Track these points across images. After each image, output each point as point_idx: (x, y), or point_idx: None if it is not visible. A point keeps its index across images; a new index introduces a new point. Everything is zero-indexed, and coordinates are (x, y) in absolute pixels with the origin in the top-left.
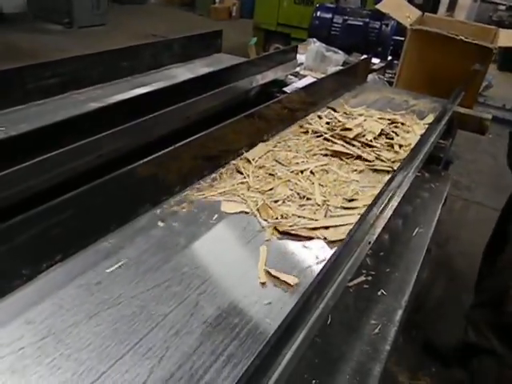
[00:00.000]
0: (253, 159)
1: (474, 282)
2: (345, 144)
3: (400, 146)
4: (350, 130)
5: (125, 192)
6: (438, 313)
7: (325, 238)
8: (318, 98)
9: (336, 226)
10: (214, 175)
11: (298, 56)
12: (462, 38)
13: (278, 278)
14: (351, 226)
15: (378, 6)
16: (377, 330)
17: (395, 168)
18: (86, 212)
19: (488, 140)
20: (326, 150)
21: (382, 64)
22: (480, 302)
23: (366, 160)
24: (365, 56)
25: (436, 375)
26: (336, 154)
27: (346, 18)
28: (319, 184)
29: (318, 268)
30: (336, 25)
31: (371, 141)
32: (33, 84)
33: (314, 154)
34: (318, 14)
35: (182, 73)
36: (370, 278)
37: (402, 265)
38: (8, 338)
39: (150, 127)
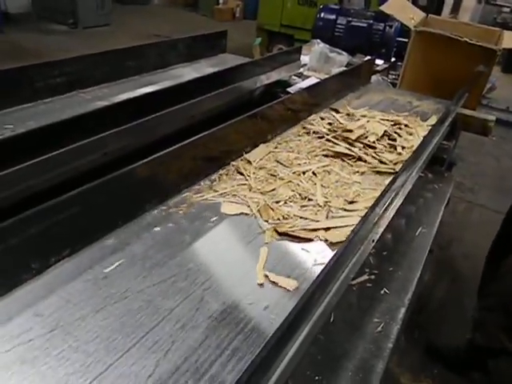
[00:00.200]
0: (254, 160)
1: (476, 284)
2: (347, 145)
3: (403, 147)
4: (351, 131)
5: (128, 190)
6: (440, 315)
7: (326, 240)
8: (321, 98)
9: (336, 228)
10: (214, 176)
11: (302, 57)
12: (466, 39)
13: (276, 283)
14: (352, 228)
15: (381, 8)
16: (380, 328)
17: (397, 170)
18: (93, 208)
19: (492, 142)
20: (328, 151)
21: (386, 65)
22: (487, 306)
23: (368, 162)
24: (368, 57)
25: (438, 377)
26: (338, 156)
27: (350, 19)
28: (321, 185)
29: (316, 270)
30: (340, 26)
31: (374, 142)
32: (41, 83)
33: (316, 155)
34: (322, 15)
35: (188, 72)
36: (373, 276)
37: (405, 264)
38: (17, 329)
39: (155, 126)
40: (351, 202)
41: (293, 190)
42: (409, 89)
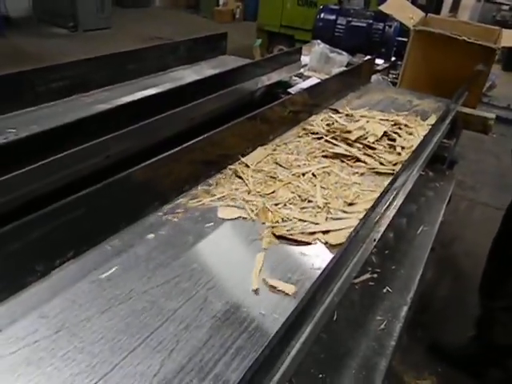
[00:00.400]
0: (252, 163)
1: (478, 282)
2: (346, 146)
3: (402, 147)
4: (350, 132)
5: (131, 193)
6: (443, 313)
7: (326, 243)
8: (322, 99)
9: (336, 230)
10: (211, 180)
11: (303, 57)
12: (465, 38)
13: (275, 288)
14: (351, 229)
15: (381, 7)
16: (382, 326)
17: (397, 170)
18: (97, 210)
19: (492, 140)
20: (327, 152)
21: (386, 65)
22: (508, 306)
23: (367, 162)
24: (368, 57)
25: (442, 375)
26: (337, 157)
27: (350, 19)
28: (321, 186)
29: (315, 273)
30: (340, 26)
31: (373, 143)
32: (42, 87)
33: (315, 157)
34: (322, 15)
35: (188, 74)
36: (375, 275)
37: (407, 262)
38: (23, 331)
39: (157, 129)
40: (350, 204)
41: (292, 192)
42: (409, 88)
